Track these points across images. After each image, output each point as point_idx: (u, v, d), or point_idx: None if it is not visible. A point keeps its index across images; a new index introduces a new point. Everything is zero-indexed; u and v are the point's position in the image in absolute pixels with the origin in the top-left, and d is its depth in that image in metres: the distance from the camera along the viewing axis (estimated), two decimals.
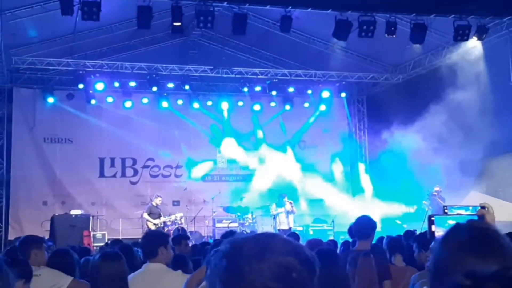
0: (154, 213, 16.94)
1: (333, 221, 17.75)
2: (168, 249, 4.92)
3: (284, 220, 17.18)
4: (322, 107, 21.29)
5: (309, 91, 20.59)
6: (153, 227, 16.58)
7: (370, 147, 21.89)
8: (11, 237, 17.09)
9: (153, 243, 4.84)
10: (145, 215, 16.98)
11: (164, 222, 16.94)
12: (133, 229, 18.02)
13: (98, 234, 17.09)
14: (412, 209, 18.25)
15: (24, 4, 15.10)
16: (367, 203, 20.07)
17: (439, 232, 2.15)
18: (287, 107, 21.00)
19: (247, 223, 17.69)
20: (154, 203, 17.13)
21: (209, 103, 20.56)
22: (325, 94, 20.46)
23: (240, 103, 20.72)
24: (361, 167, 21.89)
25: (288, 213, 17.29)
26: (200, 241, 12.35)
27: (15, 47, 17.62)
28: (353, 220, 6.07)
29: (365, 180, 21.24)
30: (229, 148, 20.71)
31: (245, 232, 15.13)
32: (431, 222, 2.19)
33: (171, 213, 17.73)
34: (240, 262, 1.47)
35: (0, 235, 18.06)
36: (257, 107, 20.76)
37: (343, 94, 21.09)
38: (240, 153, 20.76)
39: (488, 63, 15.76)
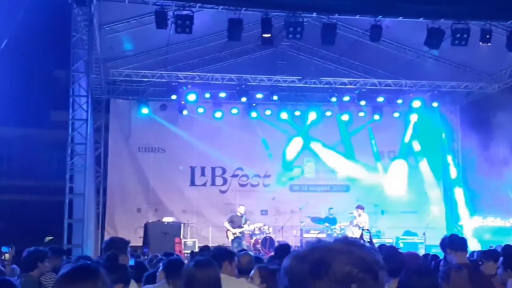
0: (234, 221, 17.03)
1: (424, 233, 17.32)
2: (232, 265, 5.34)
3: (355, 233, 16.87)
4: (413, 117, 20.86)
5: (399, 101, 20.19)
6: (231, 236, 16.76)
7: (463, 158, 21.17)
8: None
9: (219, 257, 5.14)
10: (225, 224, 17.14)
11: (252, 231, 17.02)
12: (222, 237, 18.29)
13: (189, 241, 17.50)
14: (508, 223, 17.50)
15: (121, 19, 15.80)
16: (461, 216, 19.55)
17: None
18: (376, 117, 20.74)
19: (335, 234, 17.51)
20: (238, 213, 17.26)
21: (297, 113, 20.65)
22: (416, 103, 20.01)
23: (328, 113, 20.67)
24: (454, 178, 21.23)
25: (358, 226, 17.00)
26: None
27: (112, 60, 18.43)
28: (444, 232, 6.00)
29: (458, 192, 20.59)
30: (319, 151, 20.77)
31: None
32: None
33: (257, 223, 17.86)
34: (299, 281, 1.48)
35: (98, 240, 18.79)
36: (345, 117, 20.64)
37: (435, 104, 20.49)
38: (331, 159, 20.79)
39: None
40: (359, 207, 17.19)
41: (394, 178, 20.85)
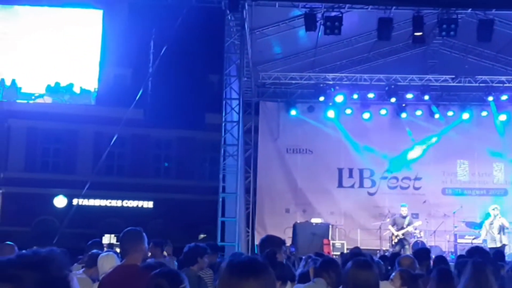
0: (397, 223, 16.50)
1: None
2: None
3: (495, 237, 15.63)
4: None
5: None
6: (394, 239, 16.35)
7: None
8: (257, 241, 18.22)
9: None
10: (389, 227, 16.76)
11: (404, 234, 16.54)
12: (371, 240, 18.04)
13: (337, 243, 17.45)
14: None
15: (271, 23, 16.18)
16: None
17: None
18: None
19: None
20: (400, 214, 16.70)
21: (450, 113, 19.83)
22: None
23: (484, 113, 19.63)
24: None
25: (502, 228, 15.75)
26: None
27: (262, 63, 18.93)
28: None
29: None
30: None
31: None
32: None
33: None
34: None
35: (247, 239, 19.33)
36: (503, 117, 19.48)
37: None
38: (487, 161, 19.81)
39: None
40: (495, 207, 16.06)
41: None
